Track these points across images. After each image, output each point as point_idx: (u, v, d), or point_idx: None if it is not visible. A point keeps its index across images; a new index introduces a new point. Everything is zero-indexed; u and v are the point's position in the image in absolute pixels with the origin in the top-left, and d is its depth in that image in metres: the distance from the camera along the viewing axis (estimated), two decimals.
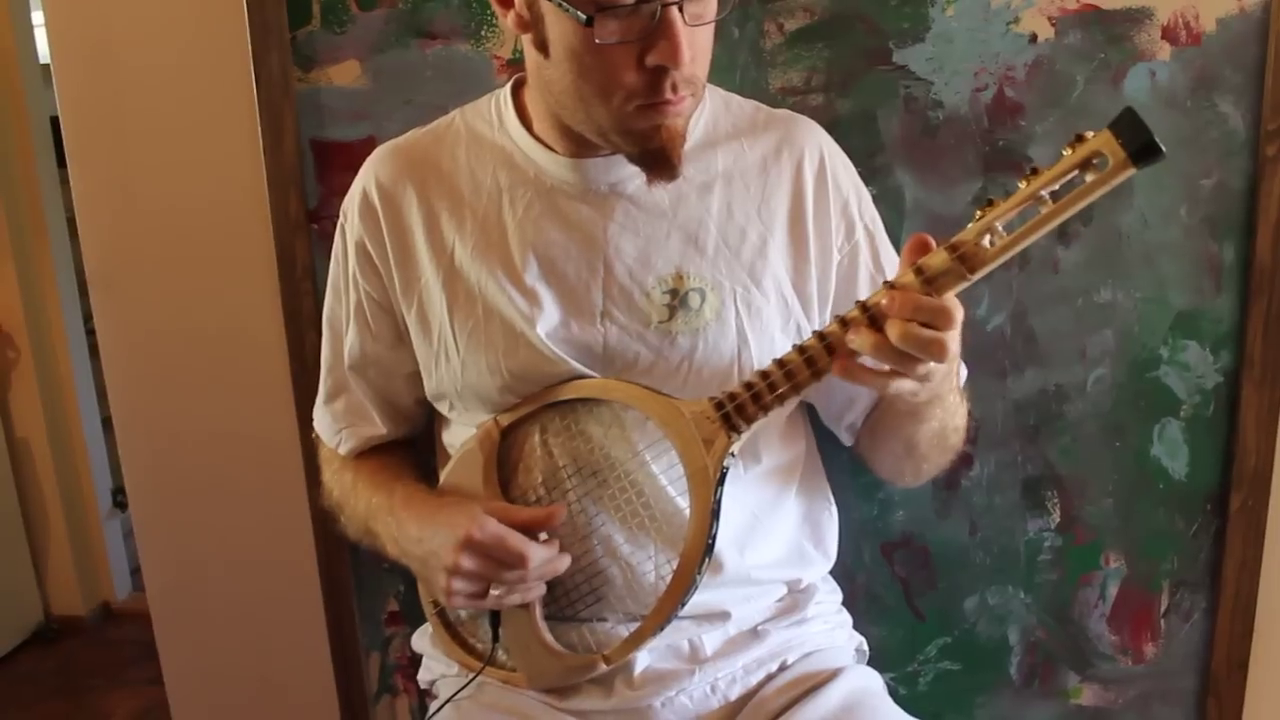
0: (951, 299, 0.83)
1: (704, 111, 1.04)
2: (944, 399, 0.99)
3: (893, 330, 0.82)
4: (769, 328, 1.02)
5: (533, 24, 0.90)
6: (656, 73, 0.87)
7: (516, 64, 1.26)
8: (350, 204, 1.08)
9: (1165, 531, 1.33)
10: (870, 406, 1.11)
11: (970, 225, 0.82)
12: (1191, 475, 1.31)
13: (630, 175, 1.00)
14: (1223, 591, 1.32)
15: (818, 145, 1.06)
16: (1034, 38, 1.20)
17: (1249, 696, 1.35)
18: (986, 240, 0.82)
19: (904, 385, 0.87)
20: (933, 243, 0.84)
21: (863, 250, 1.06)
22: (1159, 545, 1.33)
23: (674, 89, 0.88)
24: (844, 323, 0.86)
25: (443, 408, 1.11)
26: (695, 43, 0.87)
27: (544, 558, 0.95)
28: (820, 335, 0.89)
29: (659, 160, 0.92)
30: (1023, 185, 0.80)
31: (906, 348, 0.82)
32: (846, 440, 1.16)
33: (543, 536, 0.96)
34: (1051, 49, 1.20)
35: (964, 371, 1.12)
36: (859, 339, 0.85)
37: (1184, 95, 1.20)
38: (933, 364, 0.84)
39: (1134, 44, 1.19)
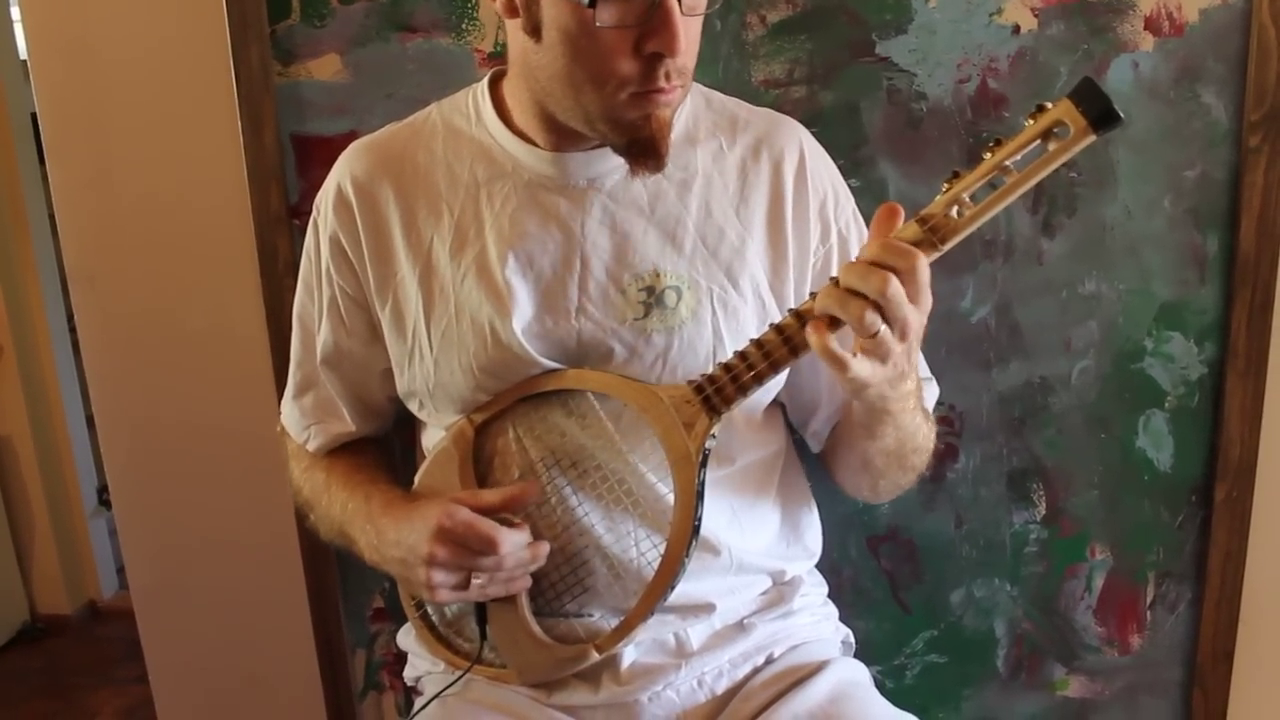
0: (916, 251, 0.82)
1: (685, 108, 1.04)
2: (896, 416, 0.97)
3: (842, 272, 0.82)
4: (745, 328, 1.01)
5: (525, 7, 0.89)
6: (652, 60, 0.87)
7: (497, 57, 1.25)
8: (324, 198, 1.07)
9: (1150, 523, 1.33)
10: (834, 416, 1.11)
11: (938, 197, 0.84)
12: (1176, 466, 1.31)
13: (609, 170, 0.99)
14: (1208, 582, 1.32)
15: (798, 144, 1.05)
16: (1017, 29, 1.20)
17: (1234, 687, 1.35)
18: (954, 211, 0.83)
19: (861, 368, 0.84)
20: (901, 212, 0.84)
21: (835, 255, 1.06)
22: (1144, 537, 1.34)
23: (668, 78, 0.88)
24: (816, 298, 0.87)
25: (413, 406, 1.10)
26: (688, 33, 0.87)
27: (516, 542, 0.94)
28: (796, 314, 0.89)
29: (646, 150, 0.92)
30: (987, 156, 0.82)
31: (850, 282, 0.82)
32: (814, 448, 1.16)
33: (517, 521, 0.96)
34: (1034, 40, 1.20)
35: (933, 391, 1.11)
36: (822, 298, 0.84)
37: (1167, 86, 1.20)
38: (881, 324, 0.81)
39: (1117, 35, 1.19)
